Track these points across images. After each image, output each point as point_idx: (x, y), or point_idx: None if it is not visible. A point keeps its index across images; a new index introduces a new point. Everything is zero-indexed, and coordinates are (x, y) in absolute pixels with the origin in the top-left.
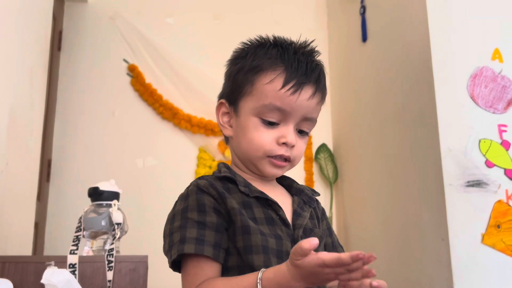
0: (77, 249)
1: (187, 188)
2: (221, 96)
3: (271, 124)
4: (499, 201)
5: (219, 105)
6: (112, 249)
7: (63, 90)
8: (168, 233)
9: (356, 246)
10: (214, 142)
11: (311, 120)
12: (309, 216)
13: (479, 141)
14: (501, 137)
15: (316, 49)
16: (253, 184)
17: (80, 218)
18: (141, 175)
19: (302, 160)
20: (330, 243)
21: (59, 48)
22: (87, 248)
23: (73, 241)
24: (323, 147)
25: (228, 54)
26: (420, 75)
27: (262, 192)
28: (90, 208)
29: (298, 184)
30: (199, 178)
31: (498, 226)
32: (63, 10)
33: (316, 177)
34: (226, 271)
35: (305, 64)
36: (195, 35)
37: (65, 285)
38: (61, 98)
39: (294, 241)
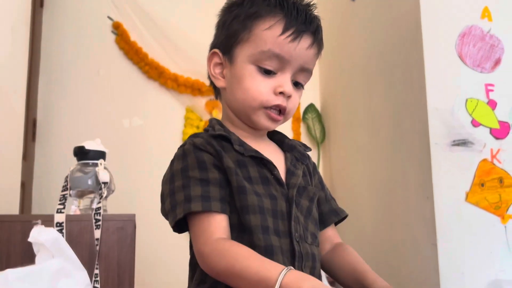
0: (64, 208)
1: (182, 147)
2: (213, 46)
3: (268, 73)
4: (484, 160)
5: (211, 55)
6: (99, 208)
7: (46, 48)
8: (169, 193)
9: (342, 206)
10: (201, 102)
11: (308, 71)
12: (302, 174)
13: (466, 100)
14: (487, 96)
15: (312, 3)
16: (246, 141)
17: (67, 177)
18: (128, 135)
19: (290, 120)
20: (323, 197)
21: (41, 5)
22: (74, 207)
23: (60, 200)
24: (310, 107)
25: (212, 9)
26: (409, 34)
27: (257, 151)
28: (76, 167)
29: (289, 139)
30: (194, 136)
31: (482, 185)
32: None
33: (304, 137)
34: None
35: (304, 13)
36: None
37: (53, 243)
38: (44, 56)
39: (289, 201)
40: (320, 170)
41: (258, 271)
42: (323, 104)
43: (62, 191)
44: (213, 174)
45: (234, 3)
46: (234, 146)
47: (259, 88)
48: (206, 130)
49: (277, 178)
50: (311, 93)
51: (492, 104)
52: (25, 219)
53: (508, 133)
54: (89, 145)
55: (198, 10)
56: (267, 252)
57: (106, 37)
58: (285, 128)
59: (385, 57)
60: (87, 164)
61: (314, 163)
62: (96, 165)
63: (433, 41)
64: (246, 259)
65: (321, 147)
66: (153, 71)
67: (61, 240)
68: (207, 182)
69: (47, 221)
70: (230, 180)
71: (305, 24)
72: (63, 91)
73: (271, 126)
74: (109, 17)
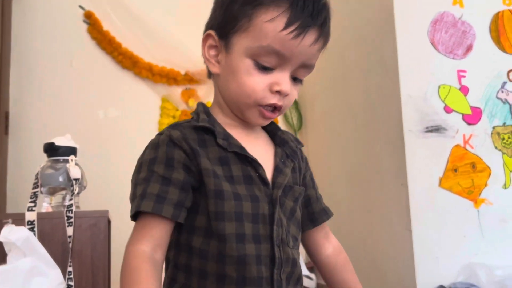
0: (35, 206)
1: (159, 135)
2: (209, 26)
3: (265, 69)
4: (457, 145)
5: (206, 37)
6: (71, 205)
7: (17, 40)
8: (134, 183)
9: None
10: (177, 91)
11: (309, 68)
12: (290, 171)
13: (439, 87)
14: (460, 82)
15: None
16: (235, 131)
17: (37, 174)
18: (103, 126)
19: None
20: (314, 196)
21: None
22: (45, 205)
23: (31, 198)
24: None
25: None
26: (382, 22)
27: (241, 148)
28: (47, 164)
29: (283, 131)
30: (173, 127)
31: (455, 170)
32: None
33: (281, 124)
34: (192, 231)
35: (311, 3)
36: None
37: (24, 242)
38: (15, 48)
39: (272, 202)
40: None
41: None
42: (300, 93)
43: (32, 188)
44: (178, 174)
45: None
46: (217, 140)
47: (255, 85)
48: (191, 118)
49: (262, 177)
50: None
51: (464, 90)
52: None
53: (480, 118)
54: (60, 141)
55: None
56: (240, 262)
57: (78, 26)
58: None
59: (360, 46)
60: (57, 161)
61: (306, 159)
62: (67, 161)
63: (406, 28)
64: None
65: (298, 134)
66: (127, 61)
67: (33, 239)
68: (168, 181)
69: (19, 219)
70: (206, 183)
71: (312, 17)
72: (36, 83)
73: (263, 123)
74: (80, 6)
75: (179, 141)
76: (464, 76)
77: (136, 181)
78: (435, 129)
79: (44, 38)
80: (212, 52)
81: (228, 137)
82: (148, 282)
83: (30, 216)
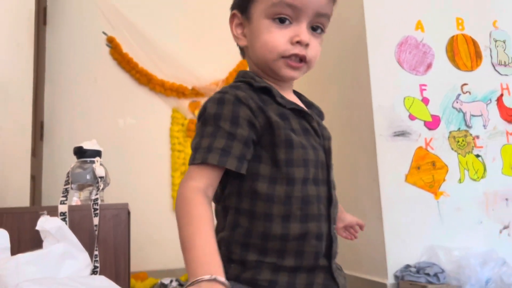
0: (66, 199)
1: (222, 93)
2: (232, 7)
3: (283, 23)
4: (420, 147)
5: (232, 17)
6: (97, 199)
7: (50, 61)
8: (199, 134)
9: None
10: (185, 103)
11: (325, 16)
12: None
13: (404, 98)
14: (421, 94)
15: None
16: (282, 90)
17: (68, 173)
18: (123, 132)
19: None
20: None
21: (44, 23)
22: (75, 199)
23: (63, 193)
24: None
25: (193, 25)
26: (356, 44)
27: (297, 104)
28: (76, 164)
29: (305, 97)
30: (237, 88)
31: (419, 168)
32: None
33: None
34: (256, 178)
35: None
36: (165, 8)
37: (57, 230)
38: (49, 67)
39: (325, 151)
40: None
41: (193, 256)
42: None
43: (64, 185)
44: (243, 130)
45: None
46: (277, 99)
47: (276, 40)
48: (242, 81)
49: (315, 129)
50: None
51: (426, 101)
52: (32, 211)
53: (439, 124)
54: (87, 145)
55: (181, 25)
56: (304, 202)
57: (102, 49)
58: None
59: (336, 63)
60: (85, 162)
61: None
62: (93, 162)
63: (376, 49)
64: (197, 231)
65: None
66: (143, 78)
67: (65, 227)
68: (233, 137)
69: (52, 211)
70: (277, 134)
71: None
72: (66, 97)
73: (294, 74)
74: (103, 33)
75: (245, 99)
76: (425, 89)
77: (202, 133)
78: (401, 134)
79: (73, 59)
80: (239, 30)
81: (283, 96)
82: (204, 210)
83: (63, 208)
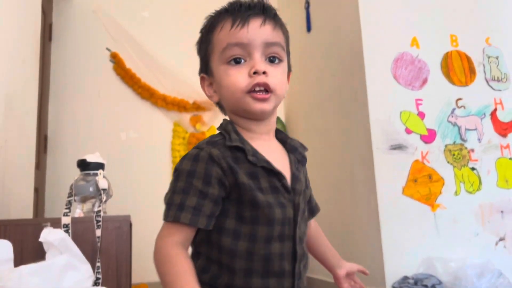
0: (69, 211)
1: (198, 149)
2: (199, 72)
3: (238, 63)
4: (416, 160)
5: (201, 80)
6: (99, 211)
7: (55, 75)
8: (171, 189)
9: None
10: (186, 117)
11: (276, 45)
12: (303, 177)
13: (400, 112)
14: (417, 109)
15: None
16: (256, 142)
17: (71, 185)
18: (126, 146)
19: None
20: (311, 192)
21: (50, 39)
22: (78, 211)
23: (66, 205)
24: (277, 120)
25: (193, 42)
26: (353, 59)
27: (268, 162)
28: (80, 177)
29: (291, 139)
30: (212, 145)
31: (415, 180)
32: (51, 5)
33: None
34: (221, 232)
35: (247, 4)
36: (167, 26)
37: (60, 242)
38: (53, 82)
39: (295, 207)
40: None
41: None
42: (287, 117)
43: (67, 197)
44: (214, 190)
45: (201, 29)
46: (248, 157)
47: (235, 79)
48: (221, 133)
49: (285, 186)
50: (277, 108)
51: (421, 115)
52: (36, 222)
53: (434, 138)
54: (90, 158)
55: (182, 41)
56: (266, 259)
57: (105, 65)
58: None
59: (335, 79)
60: (88, 174)
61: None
62: (96, 174)
63: (373, 65)
64: (174, 276)
65: None
66: (145, 93)
67: (68, 239)
68: (204, 195)
69: (56, 223)
70: (243, 194)
71: (249, 9)
72: (70, 111)
73: (263, 107)
74: (107, 48)
75: (218, 159)
76: (421, 104)
77: (175, 188)
78: (398, 147)
79: (77, 74)
80: (210, 89)
81: (255, 153)
82: (187, 265)
83: (66, 220)
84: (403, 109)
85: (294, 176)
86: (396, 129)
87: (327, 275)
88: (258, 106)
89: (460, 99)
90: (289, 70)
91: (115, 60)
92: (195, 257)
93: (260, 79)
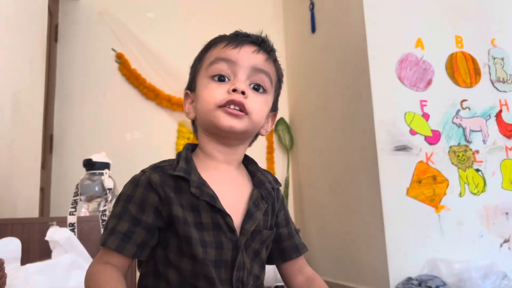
0: (75, 210)
1: (143, 173)
2: (185, 89)
3: (222, 80)
4: (420, 161)
5: (185, 98)
6: (105, 210)
7: (61, 76)
8: (110, 214)
9: (307, 201)
10: None
11: (263, 73)
12: (262, 214)
13: (405, 114)
14: (422, 110)
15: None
16: (212, 173)
17: (77, 185)
18: (131, 146)
19: None
20: (286, 234)
21: (56, 40)
22: (84, 210)
23: (72, 204)
24: (281, 121)
25: (197, 43)
26: (358, 60)
27: (212, 197)
28: (86, 176)
29: (262, 172)
30: (156, 169)
31: (420, 182)
32: (58, 6)
33: (276, 145)
34: (167, 265)
35: (247, 35)
36: (172, 27)
37: (66, 241)
38: (59, 82)
39: (236, 248)
40: (290, 171)
41: None
42: (291, 118)
43: (73, 196)
44: (148, 218)
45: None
46: (191, 189)
47: (213, 93)
48: (171, 163)
49: (229, 225)
50: (281, 109)
51: (426, 116)
52: (42, 221)
53: (439, 139)
54: (96, 158)
55: (187, 41)
56: None
57: (111, 65)
58: (260, 138)
59: (339, 79)
60: (94, 174)
61: (282, 198)
62: (102, 174)
63: (378, 66)
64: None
65: (290, 153)
66: (151, 93)
67: (73, 238)
68: (137, 222)
69: (61, 222)
70: (177, 229)
71: (246, 37)
72: (75, 111)
73: (233, 123)
74: (113, 49)
75: (156, 186)
76: (425, 105)
77: (113, 212)
78: (403, 148)
79: (83, 74)
80: (190, 106)
81: (201, 185)
82: (112, 277)
83: (71, 219)
84: (408, 110)
85: (248, 214)
86: (401, 130)
87: (329, 275)
88: (228, 122)
89: (465, 100)
90: (274, 110)
91: (121, 60)
92: None
93: (237, 97)
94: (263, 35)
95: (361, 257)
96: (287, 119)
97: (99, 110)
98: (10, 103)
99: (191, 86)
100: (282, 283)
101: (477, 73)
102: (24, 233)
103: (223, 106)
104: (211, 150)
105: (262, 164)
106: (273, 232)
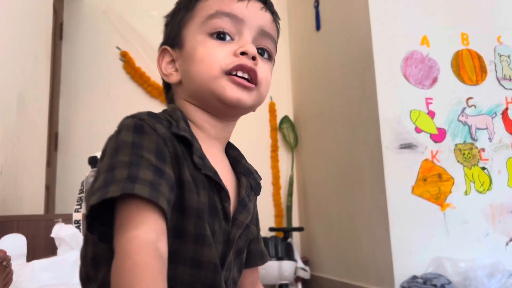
0: (80, 207)
1: (139, 119)
2: (161, 44)
3: (222, 39)
4: (426, 159)
5: (161, 54)
6: None
7: (65, 74)
8: (107, 169)
9: (311, 200)
10: None
11: (270, 38)
12: (253, 208)
13: (410, 111)
14: (427, 108)
15: None
16: (203, 146)
17: (82, 182)
18: None
19: (268, 129)
20: (256, 234)
21: (60, 38)
22: None
23: (77, 202)
24: (285, 119)
25: None
26: (363, 58)
27: (215, 173)
28: (90, 173)
29: (247, 161)
30: (156, 119)
31: (425, 180)
32: (62, 5)
33: (280, 143)
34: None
35: None
36: None
37: (71, 238)
38: (64, 80)
39: (227, 242)
40: (294, 169)
41: None
42: (295, 116)
43: (78, 193)
44: (170, 171)
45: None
46: (194, 157)
47: (215, 53)
48: (166, 119)
49: (226, 212)
50: (286, 107)
51: (431, 114)
52: (48, 218)
53: (444, 137)
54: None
55: None
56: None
57: (115, 63)
58: (265, 136)
59: (344, 77)
60: None
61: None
62: None
63: (383, 64)
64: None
65: (294, 151)
66: (155, 91)
67: (79, 235)
68: (161, 173)
69: (67, 219)
70: (186, 198)
71: None
72: (80, 109)
73: (242, 96)
74: (117, 47)
75: (165, 139)
76: (431, 103)
77: (112, 165)
78: (408, 146)
79: (88, 72)
80: (170, 68)
81: (203, 156)
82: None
83: (77, 216)
84: (413, 108)
85: (242, 203)
86: (406, 128)
87: (333, 274)
88: (236, 94)
89: (470, 98)
90: None
91: (125, 58)
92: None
93: (248, 62)
94: None
95: (366, 255)
96: (291, 117)
97: (103, 108)
98: (16, 101)
99: (174, 41)
100: (286, 281)
101: (483, 70)
102: (30, 230)
103: (230, 73)
104: (201, 121)
105: (267, 162)
106: (256, 230)
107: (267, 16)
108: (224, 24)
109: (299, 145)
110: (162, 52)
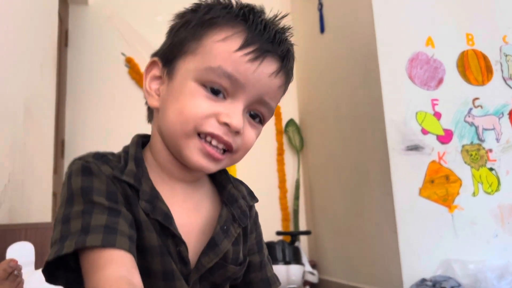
0: None
1: (86, 162)
2: (154, 54)
3: (215, 94)
4: (433, 161)
5: (150, 65)
6: None
7: (71, 81)
8: (62, 219)
9: (318, 202)
10: None
11: (267, 107)
12: (233, 242)
13: (416, 113)
14: (433, 109)
15: (288, 27)
16: (169, 184)
17: None
18: None
19: (274, 132)
20: (257, 263)
21: (66, 45)
22: None
23: None
24: (291, 122)
25: None
26: (368, 60)
27: (166, 217)
28: None
29: (235, 184)
30: (103, 159)
31: (432, 181)
32: (67, 12)
33: (286, 146)
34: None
35: (273, 32)
36: None
37: None
38: (70, 87)
39: (187, 282)
40: (300, 172)
41: None
42: (301, 119)
43: None
44: (125, 210)
45: (189, 8)
46: (140, 202)
47: (197, 108)
48: (117, 158)
49: (181, 256)
50: (291, 110)
51: (438, 115)
52: None
53: (451, 138)
54: None
55: None
56: None
57: (120, 69)
58: (270, 139)
59: (349, 79)
60: None
61: (255, 216)
62: None
63: (388, 65)
64: None
65: (300, 154)
66: None
67: None
68: (116, 213)
69: None
70: (146, 237)
71: (273, 44)
72: (86, 116)
73: (208, 166)
74: (122, 53)
75: (113, 181)
76: (437, 104)
77: (67, 216)
78: (414, 148)
79: (93, 79)
80: (154, 85)
81: (154, 198)
82: None
83: None
84: (419, 110)
85: (210, 243)
86: (412, 130)
87: (341, 277)
88: (200, 162)
89: (477, 98)
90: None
91: (130, 64)
92: None
93: (225, 134)
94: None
95: (374, 258)
96: (297, 120)
97: (109, 114)
98: (22, 108)
99: (165, 59)
100: (294, 286)
101: (489, 70)
102: (37, 237)
103: (203, 136)
104: (164, 162)
105: (272, 166)
106: (244, 266)
107: (275, 82)
108: (222, 82)
109: (305, 148)
110: (152, 63)
